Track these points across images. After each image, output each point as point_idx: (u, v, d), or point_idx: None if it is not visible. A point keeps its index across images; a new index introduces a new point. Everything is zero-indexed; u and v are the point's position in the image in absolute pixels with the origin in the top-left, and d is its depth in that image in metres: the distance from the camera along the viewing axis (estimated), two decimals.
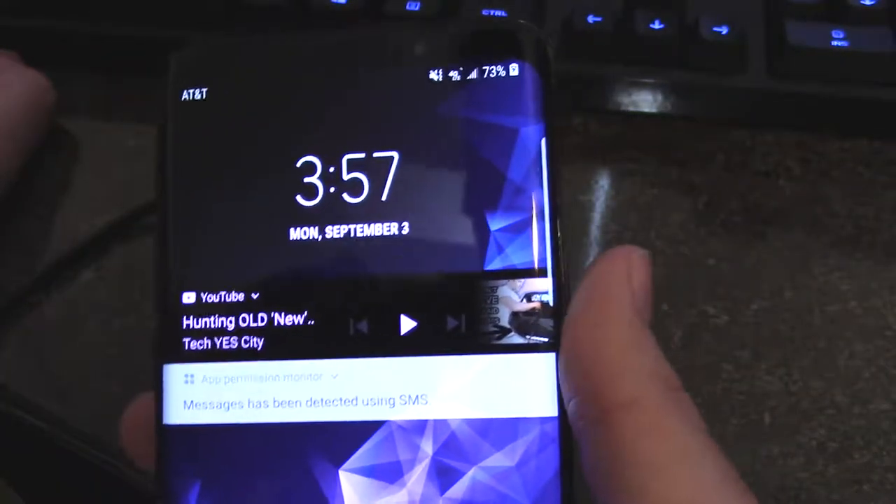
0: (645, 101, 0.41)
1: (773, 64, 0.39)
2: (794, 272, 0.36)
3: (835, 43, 0.38)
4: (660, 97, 0.40)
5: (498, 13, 0.41)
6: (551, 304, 0.20)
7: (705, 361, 0.33)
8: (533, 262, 0.20)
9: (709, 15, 0.40)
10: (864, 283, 0.36)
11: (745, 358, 0.34)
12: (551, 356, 0.19)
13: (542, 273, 0.20)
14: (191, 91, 0.22)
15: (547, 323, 0.19)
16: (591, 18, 0.40)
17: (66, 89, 0.43)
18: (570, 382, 0.19)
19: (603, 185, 0.39)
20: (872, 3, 0.39)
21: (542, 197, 0.20)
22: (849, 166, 0.39)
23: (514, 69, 0.20)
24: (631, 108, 0.41)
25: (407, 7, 0.41)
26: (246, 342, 0.21)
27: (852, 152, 0.39)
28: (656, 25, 0.40)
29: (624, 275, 0.19)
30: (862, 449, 0.32)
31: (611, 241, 0.37)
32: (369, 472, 0.20)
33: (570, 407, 0.19)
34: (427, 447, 0.19)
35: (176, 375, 0.21)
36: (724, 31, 0.39)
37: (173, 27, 0.43)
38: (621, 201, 0.38)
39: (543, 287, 0.20)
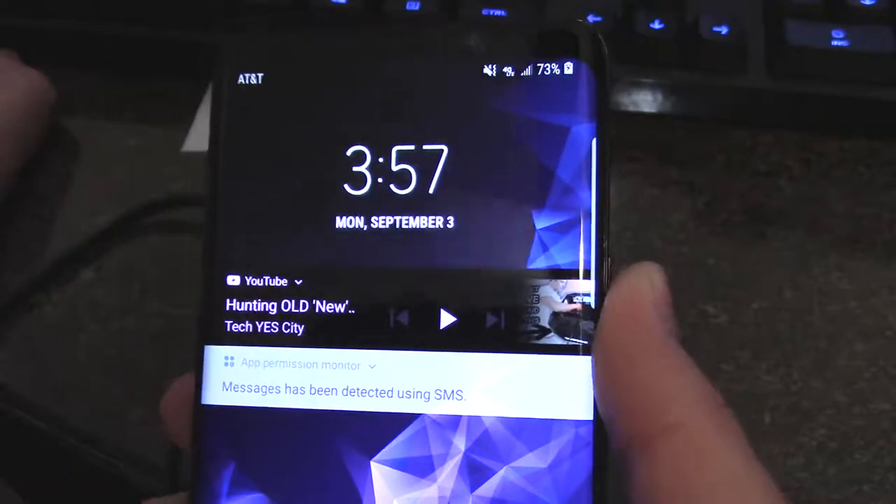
0: (645, 101, 0.41)
1: (773, 64, 0.39)
2: (794, 272, 0.36)
3: (835, 43, 0.38)
4: (660, 97, 0.40)
5: (498, 13, 0.41)
6: (593, 306, 0.19)
7: (705, 361, 0.33)
8: (576, 263, 0.20)
9: (709, 15, 0.40)
10: (864, 283, 0.36)
11: (745, 358, 0.34)
12: (589, 359, 0.19)
13: (585, 275, 0.20)
14: (248, 76, 0.22)
15: (587, 325, 0.19)
16: (591, 18, 0.40)
17: (66, 89, 0.43)
18: (609, 409, 0.18)
19: None
20: (872, 3, 0.39)
21: (590, 198, 0.20)
22: (849, 166, 0.39)
23: (568, 68, 0.20)
24: (631, 108, 0.41)
25: (406, 7, 0.41)
26: (287, 328, 0.21)
27: (852, 152, 0.39)
28: (656, 25, 0.40)
29: (648, 295, 0.19)
30: (862, 449, 0.32)
31: (611, 241, 0.37)
32: (401, 464, 0.20)
33: (613, 433, 0.18)
34: (460, 443, 0.19)
35: (216, 357, 0.21)
36: (724, 31, 0.39)
37: (173, 27, 0.43)
38: (621, 201, 0.38)
39: (586, 289, 0.20)
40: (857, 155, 0.39)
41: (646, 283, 0.19)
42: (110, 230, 0.39)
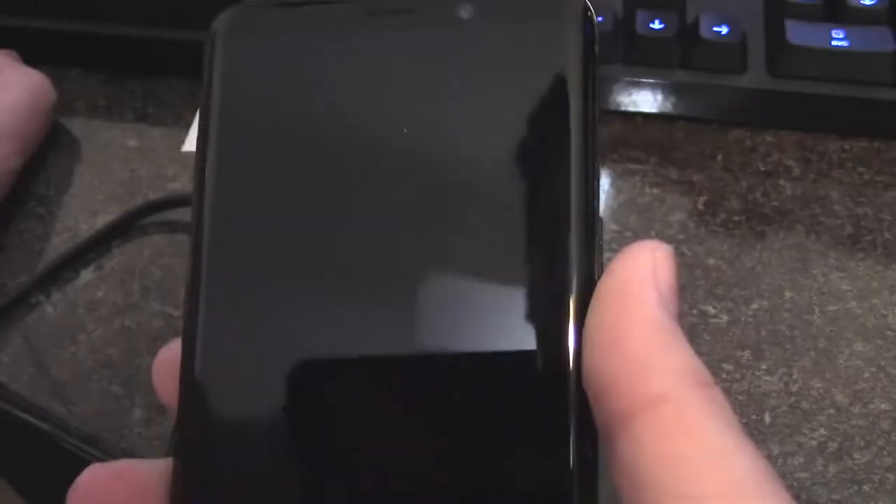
0: (645, 101, 0.41)
1: (773, 64, 0.39)
2: (794, 272, 0.36)
3: (835, 43, 0.38)
4: (660, 97, 0.40)
5: None
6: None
7: (705, 361, 0.33)
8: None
9: (709, 15, 0.40)
10: (864, 283, 0.36)
11: (745, 358, 0.34)
12: None
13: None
14: (241, 46, 0.22)
15: None
16: None
17: (66, 89, 0.43)
18: (594, 382, 0.18)
19: (603, 185, 0.39)
20: (872, 3, 0.39)
21: (572, 173, 0.19)
22: (849, 166, 0.39)
23: (556, 36, 0.20)
24: (631, 108, 0.41)
25: None
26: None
27: (852, 152, 0.40)
28: (656, 25, 0.40)
29: (648, 270, 0.18)
30: (862, 449, 0.32)
31: (610, 241, 0.37)
32: None
33: (597, 408, 0.18)
34: None
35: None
36: (724, 31, 0.39)
37: (173, 27, 0.43)
38: (621, 201, 0.38)
39: None
40: (857, 155, 0.39)
41: (646, 258, 0.18)
42: (110, 230, 0.39)
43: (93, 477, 0.20)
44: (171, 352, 0.21)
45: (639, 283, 0.18)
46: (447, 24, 0.21)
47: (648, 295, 0.18)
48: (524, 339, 0.19)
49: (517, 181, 0.20)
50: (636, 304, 0.18)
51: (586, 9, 0.20)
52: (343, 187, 0.20)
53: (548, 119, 0.20)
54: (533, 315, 0.19)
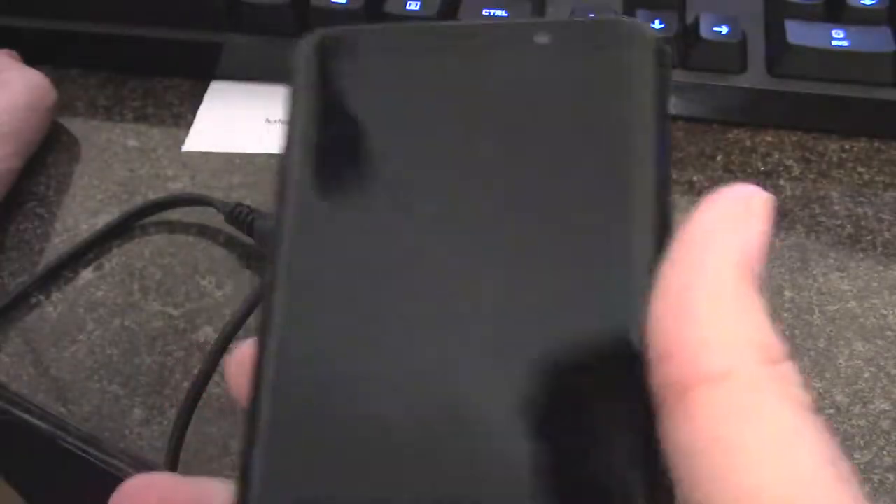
0: None
1: (773, 64, 0.39)
2: (794, 272, 0.36)
3: (835, 43, 0.38)
4: None
5: (499, 13, 0.40)
6: None
7: None
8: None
9: (709, 15, 0.40)
10: (864, 283, 0.36)
11: None
12: None
13: None
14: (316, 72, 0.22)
15: None
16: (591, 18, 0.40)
17: (66, 89, 0.43)
18: (655, 350, 0.16)
19: None
20: (872, 3, 0.39)
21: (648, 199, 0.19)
22: (849, 166, 0.39)
23: (628, 67, 0.20)
24: None
25: (406, 7, 0.41)
26: None
27: (852, 152, 0.40)
28: (656, 25, 0.40)
29: (734, 221, 0.16)
30: (862, 449, 0.32)
31: None
32: None
33: (655, 378, 0.16)
34: None
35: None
36: (724, 30, 0.39)
37: (173, 27, 0.43)
38: None
39: None
40: (857, 155, 0.39)
41: (738, 203, 0.16)
42: (110, 230, 0.39)
43: (136, 489, 0.19)
44: (248, 350, 0.20)
45: (719, 233, 0.16)
46: (525, 49, 0.21)
47: (729, 249, 0.16)
48: (589, 318, 0.19)
49: (590, 207, 0.19)
50: (713, 258, 0.16)
51: (662, 49, 0.20)
52: (425, 203, 0.21)
53: (622, 150, 0.20)
54: (597, 296, 0.18)
